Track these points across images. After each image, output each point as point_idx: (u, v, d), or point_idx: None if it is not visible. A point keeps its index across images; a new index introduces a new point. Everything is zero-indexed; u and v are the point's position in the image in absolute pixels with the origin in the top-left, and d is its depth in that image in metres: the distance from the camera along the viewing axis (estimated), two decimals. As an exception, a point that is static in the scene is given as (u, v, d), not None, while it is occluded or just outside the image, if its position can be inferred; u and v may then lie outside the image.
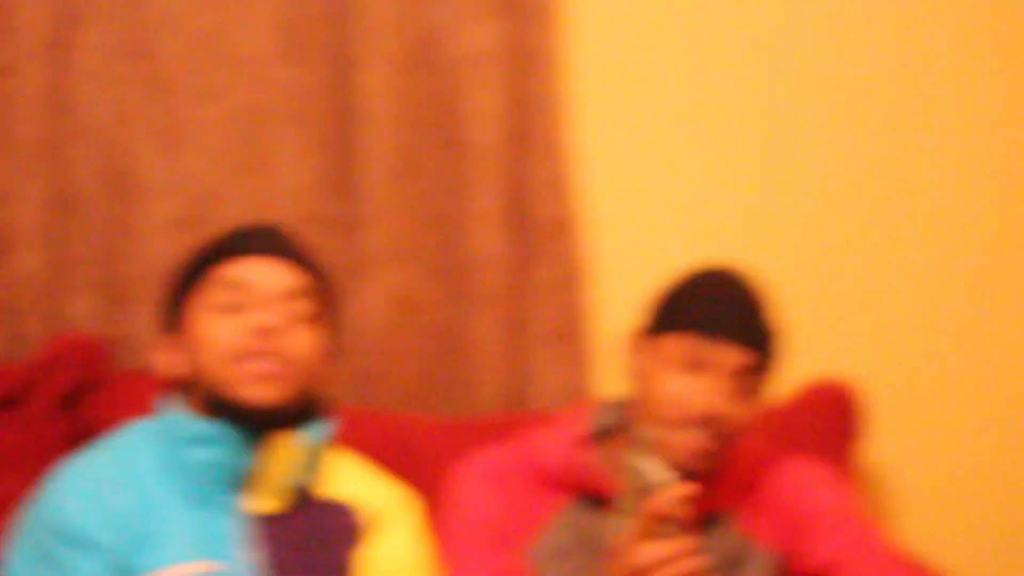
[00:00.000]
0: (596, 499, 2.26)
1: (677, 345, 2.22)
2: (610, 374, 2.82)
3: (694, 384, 2.19)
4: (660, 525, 1.97)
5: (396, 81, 2.81)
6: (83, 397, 2.64)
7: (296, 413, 2.16)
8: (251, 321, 2.13)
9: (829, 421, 2.80)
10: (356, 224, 2.82)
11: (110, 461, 2.18)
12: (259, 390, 2.12)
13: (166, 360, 2.21)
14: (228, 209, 2.76)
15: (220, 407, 2.13)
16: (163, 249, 2.73)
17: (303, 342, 2.15)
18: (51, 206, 2.76)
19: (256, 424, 2.13)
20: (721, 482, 2.27)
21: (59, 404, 2.62)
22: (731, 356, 2.20)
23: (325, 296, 2.23)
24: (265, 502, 2.15)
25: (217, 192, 2.79)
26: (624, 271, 2.90)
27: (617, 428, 2.30)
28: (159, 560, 2.08)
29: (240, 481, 2.14)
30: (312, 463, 2.18)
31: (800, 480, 2.35)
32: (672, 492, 1.98)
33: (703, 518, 2.22)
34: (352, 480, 2.25)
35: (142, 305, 2.74)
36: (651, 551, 1.96)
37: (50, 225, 2.76)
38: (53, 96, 2.75)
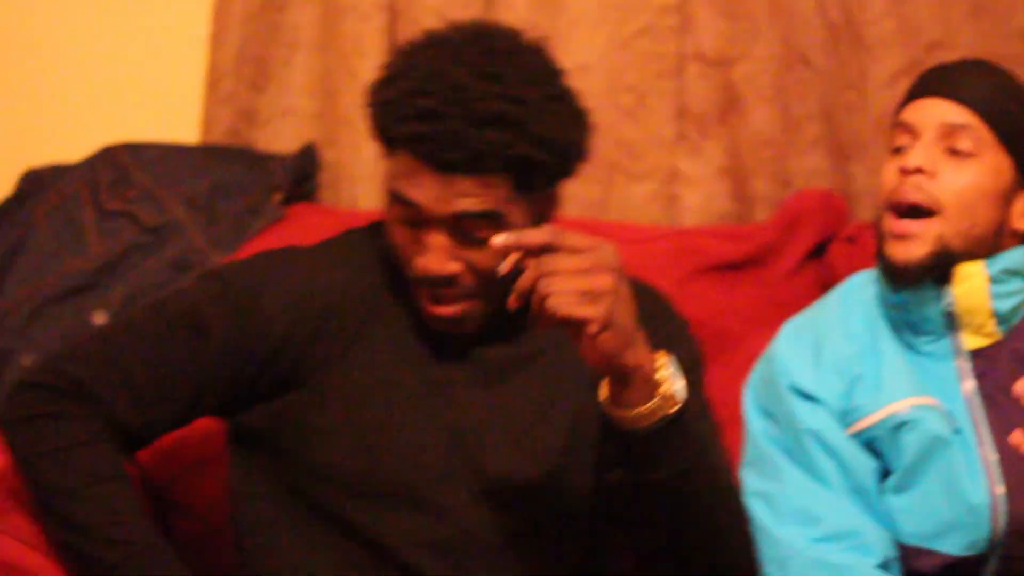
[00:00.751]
0: None
1: None
2: None
3: None
4: None
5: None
6: (826, 252, 2.69)
7: (968, 253, 2.08)
8: (899, 163, 2.10)
9: None
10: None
11: (830, 312, 2.23)
12: (897, 249, 2.09)
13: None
14: (953, 56, 2.69)
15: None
16: (889, 102, 2.67)
17: (954, 180, 2.07)
18: (780, 63, 2.79)
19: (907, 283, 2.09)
20: None
21: (804, 260, 2.67)
22: None
23: (1005, 131, 2.10)
24: (973, 337, 2.13)
25: (943, 40, 2.76)
26: None
27: None
28: (878, 400, 2.11)
29: (943, 323, 2.12)
30: (1010, 291, 2.11)
31: None
32: None
33: None
34: None
35: (867, 161, 2.76)
36: None
37: (779, 82, 2.79)
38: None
